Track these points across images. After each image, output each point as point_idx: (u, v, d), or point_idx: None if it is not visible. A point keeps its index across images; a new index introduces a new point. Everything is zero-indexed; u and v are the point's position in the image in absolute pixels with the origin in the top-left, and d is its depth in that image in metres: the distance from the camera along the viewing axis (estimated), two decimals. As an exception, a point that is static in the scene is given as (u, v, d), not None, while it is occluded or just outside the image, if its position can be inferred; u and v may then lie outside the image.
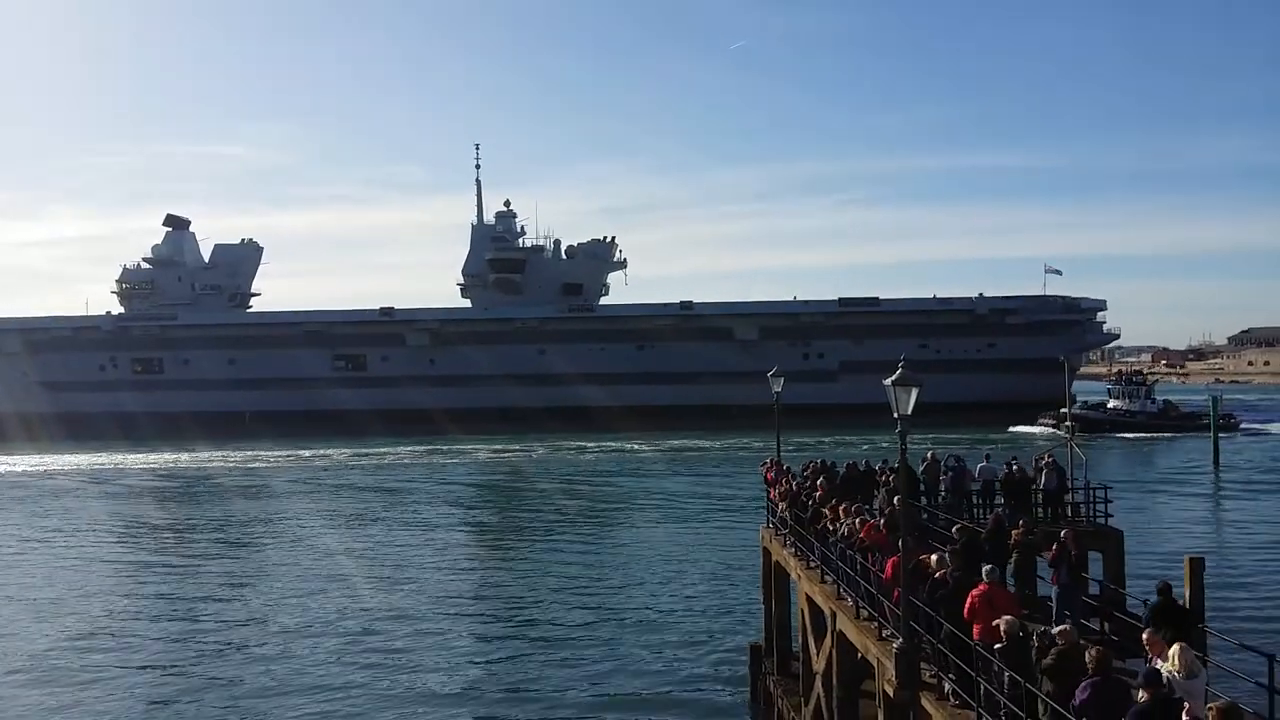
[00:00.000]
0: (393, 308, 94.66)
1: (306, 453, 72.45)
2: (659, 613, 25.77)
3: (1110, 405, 76.53)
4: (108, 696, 20.58)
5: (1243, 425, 76.72)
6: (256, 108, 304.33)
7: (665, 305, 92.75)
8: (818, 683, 15.88)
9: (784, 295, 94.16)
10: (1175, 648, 9.22)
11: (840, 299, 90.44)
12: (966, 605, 11.61)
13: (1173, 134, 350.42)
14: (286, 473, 62.28)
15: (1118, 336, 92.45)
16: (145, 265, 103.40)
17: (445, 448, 73.02)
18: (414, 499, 49.72)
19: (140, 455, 72.76)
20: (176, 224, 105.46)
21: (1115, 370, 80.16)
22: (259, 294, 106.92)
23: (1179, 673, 8.92)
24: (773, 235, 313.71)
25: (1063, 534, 13.95)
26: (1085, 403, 77.33)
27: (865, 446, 60.05)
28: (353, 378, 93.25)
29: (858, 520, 15.60)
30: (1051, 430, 71.88)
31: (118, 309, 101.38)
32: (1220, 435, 71.95)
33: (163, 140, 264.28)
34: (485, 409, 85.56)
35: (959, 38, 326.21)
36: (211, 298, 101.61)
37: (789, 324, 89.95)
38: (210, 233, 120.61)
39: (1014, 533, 14.96)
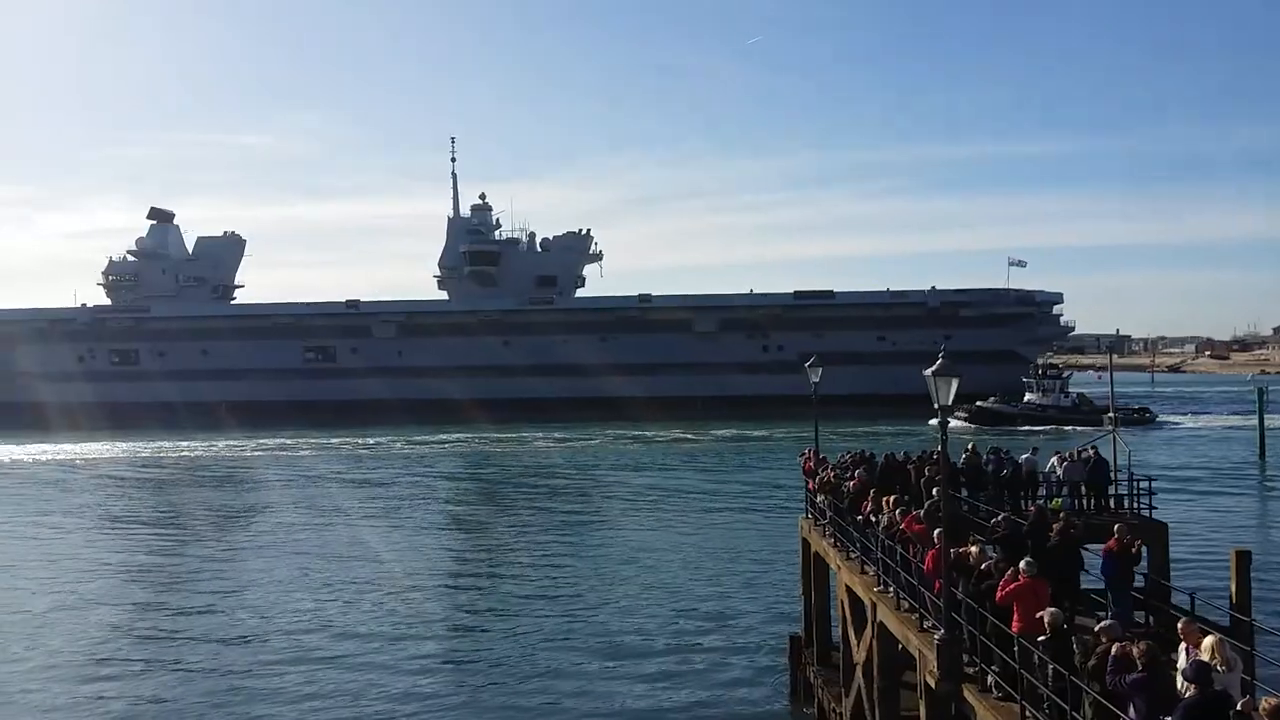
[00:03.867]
0: (359, 300, 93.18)
1: (276, 441, 70.46)
2: (684, 605, 24.65)
3: (1027, 399, 74.73)
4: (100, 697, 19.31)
5: (1159, 419, 76.28)
6: (284, 98, 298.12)
7: (624, 298, 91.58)
8: (858, 673, 15.17)
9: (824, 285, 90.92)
10: (1210, 639, 8.81)
11: (795, 292, 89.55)
12: (1000, 595, 11.20)
13: (1221, 119, 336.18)
14: (262, 461, 60.58)
15: (1073, 329, 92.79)
16: (130, 258, 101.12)
17: (420, 439, 71.13)
18: (401, 490, 48.07)
19: (119, 444, 70.49)
20: (161, 217, 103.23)
21: (1037, 365, 78.75)
22: (242, 286, 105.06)
23: (1218, 665, 8.46)
24: (776, 226, 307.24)
25: (1116, 528, 13.33)
26: (997, 396, 74.89)
27: (831, 438, 59.43)
28: (323, 369, 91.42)
29: (898, 512, 14.90)
30: (961, 422, 69.25)
31: (105, 300, 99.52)
32: (1129, 429, 69.45)
33: (193, 130, 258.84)
34: (454, 400, 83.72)
35: (972, 27, 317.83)
36: (194, 290, 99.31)
37: (746, 316, 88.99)
38: (237, 223, 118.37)
39: (1055, 525, 14.29)
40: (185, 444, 69.81)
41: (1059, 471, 18.43)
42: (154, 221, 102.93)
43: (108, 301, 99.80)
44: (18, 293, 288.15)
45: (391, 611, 24.62)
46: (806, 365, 19.97)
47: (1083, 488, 18.27)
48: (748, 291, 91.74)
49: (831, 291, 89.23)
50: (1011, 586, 11.19)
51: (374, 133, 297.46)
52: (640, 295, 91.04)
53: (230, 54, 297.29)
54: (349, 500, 43.99)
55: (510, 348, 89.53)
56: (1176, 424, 75.97)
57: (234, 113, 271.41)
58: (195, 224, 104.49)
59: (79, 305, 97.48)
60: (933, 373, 12.66)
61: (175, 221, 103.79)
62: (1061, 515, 14.94)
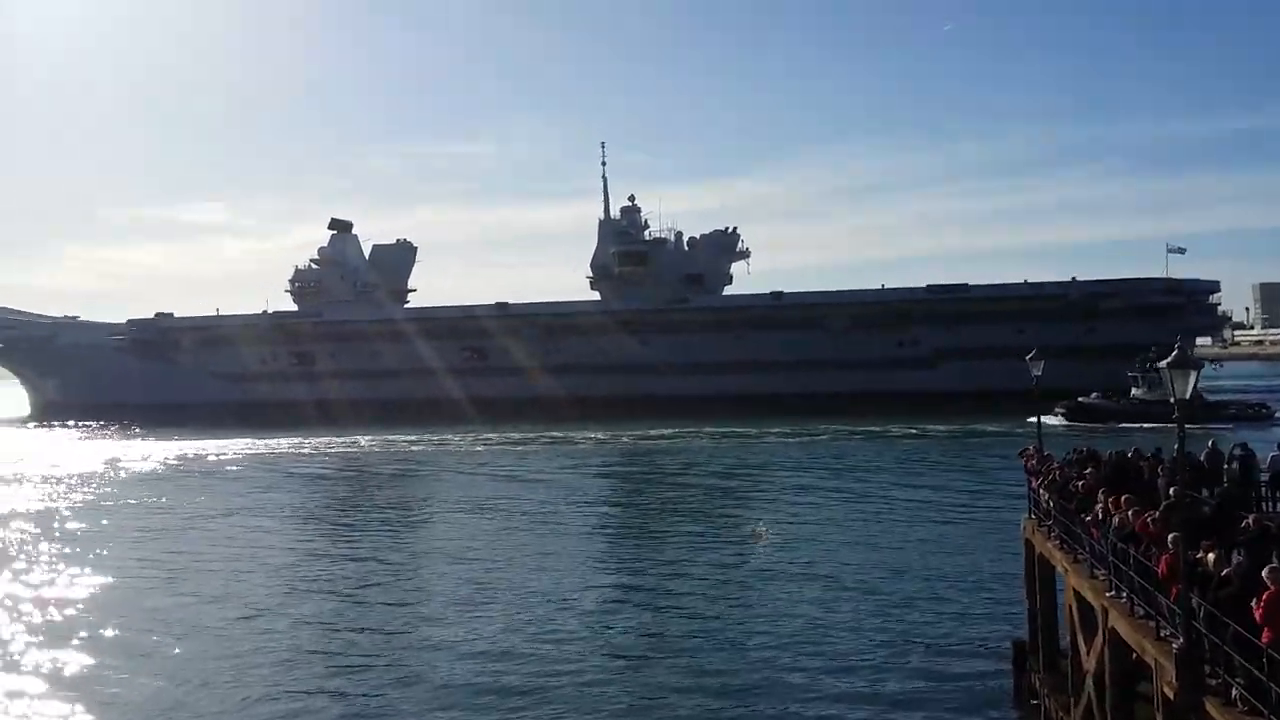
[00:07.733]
0: (507, 303, 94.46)
1: (439, 438, 71.09)
2: (900, 601, 23.38)
3: (1133, 394, 65.56)
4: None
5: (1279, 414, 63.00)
6: (504, 105, 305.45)
7: (756, 295, 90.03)
8: (1088, 682, 13.85)
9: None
10: None
11: (928, 286, 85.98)
12: (1261, 606, 9.77)
13: None
14: (425, 457, 61.33)
15: (1230, 320, 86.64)
16: (314, 266, 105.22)
17: (573, 435, 69.65)
18: (572, 485, 47.02)
19: (297, 438, 72.59)
20: (340, 227, 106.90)
21: (1147, 358, 67.71)
22: (414, 290, 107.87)
23: None
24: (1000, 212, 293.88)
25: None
26: (1099, 393, 66.58)
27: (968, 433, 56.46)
28: (478, 368, 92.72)
29: (1130, 512, 13.46)
30: (1057, 420, 62.77)
31: (292, 306, 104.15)
32: (1242, 425, 57.04)
33: (418, 142, 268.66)
34: (595, 397, 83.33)
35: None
36: (370, 294, 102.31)
37: (880, 312, 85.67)
38: (454, 227, 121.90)
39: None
40: (351, 439, 70.85)
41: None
42: (334, 231, 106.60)
43: (294, 307, 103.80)
44: (254, 298, 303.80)
45: (583, 614, 23.75)
46: (1027, 358, 18.47)
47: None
48: (880, 286, 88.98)
49: (966, 284, 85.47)
50: (1265, 594, 9.78)
51: (583, 141, 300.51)
52: (773, 292, 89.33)
53: (451, 70, 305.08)
54: (543, 495, 43.24)
55: (648, 347, 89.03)
56: None
57: (456, 124, 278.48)
58: (403, 231, 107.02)
59: (261, 311, 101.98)
60: (1168, 364, 11.23)
61: (354, 231, 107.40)
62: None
